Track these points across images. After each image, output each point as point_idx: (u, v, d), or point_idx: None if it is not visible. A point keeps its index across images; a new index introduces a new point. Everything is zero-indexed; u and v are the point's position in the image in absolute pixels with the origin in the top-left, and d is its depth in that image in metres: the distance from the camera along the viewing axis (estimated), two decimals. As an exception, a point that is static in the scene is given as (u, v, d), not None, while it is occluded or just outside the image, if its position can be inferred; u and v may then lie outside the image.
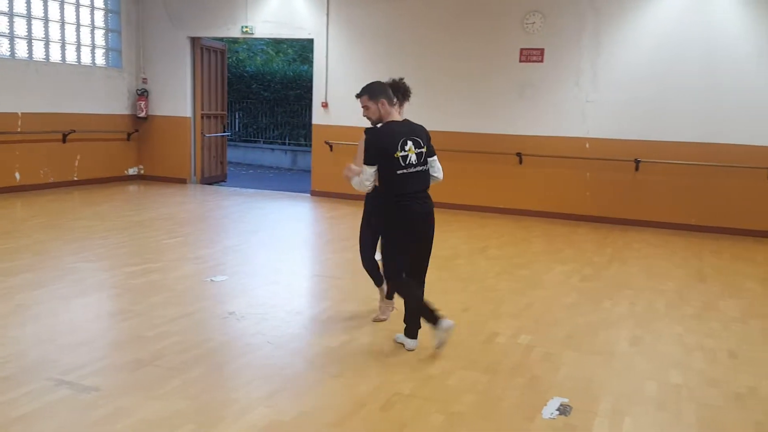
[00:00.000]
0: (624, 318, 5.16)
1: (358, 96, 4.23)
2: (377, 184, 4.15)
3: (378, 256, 4.61)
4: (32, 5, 10.17)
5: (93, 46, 11.23)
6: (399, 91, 4.43)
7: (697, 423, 3.44)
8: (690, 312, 5.37)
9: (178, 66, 11.68)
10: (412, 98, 4.63)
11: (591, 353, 4.36)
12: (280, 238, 7.96)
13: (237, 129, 18.22)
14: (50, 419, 3.18)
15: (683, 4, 8.88)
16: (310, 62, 13.52)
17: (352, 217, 8.78)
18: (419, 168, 4.15)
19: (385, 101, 4.16)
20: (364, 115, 4.26)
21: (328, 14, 10.60)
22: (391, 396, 3.57)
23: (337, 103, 10.72)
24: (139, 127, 11.97)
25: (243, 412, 3.32)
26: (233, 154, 16.47)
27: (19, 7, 9.99)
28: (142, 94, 11.81)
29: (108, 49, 11.53)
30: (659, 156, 9.14)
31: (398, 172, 4.06)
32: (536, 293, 5.75)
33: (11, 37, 9.92)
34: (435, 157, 4.29)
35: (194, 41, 11.69)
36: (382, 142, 4.08)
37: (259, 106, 18.04)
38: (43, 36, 10.38)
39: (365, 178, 4.10)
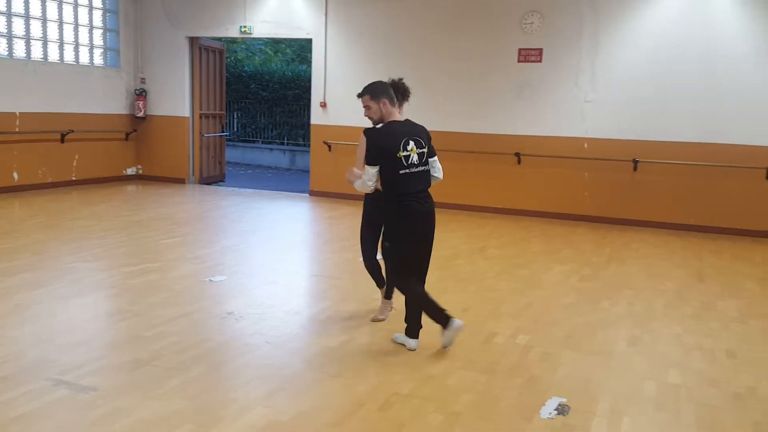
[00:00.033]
0: (622, 318, 5.16)
1: (359, 95, 4.21)
2: (378, 184, 4.15)
3: (380, 256, 4.61)
4: (30, 5, 10.15)
5: (91, 46, 11.22)
6: (398, 91, 4.43)
7: (695, 423, 3.44)
8: (689, 312, 5.37)
9: (176, 66, 11.67)
10: (411, 98, 4.63)
11: (589, 353, 4.36)
12: (278, 238, 7.95)
13: (235, 129, 18.20)
14: (48, 419, 3.18)
15: (682, 5, 8.89)
16: (309, 62, 13.50)
17: (351, 217, 8.78)
18: (421, 168, 4.15)
19: (386, 101, 4.16)
20: (366, 115, 4.24)
21: (326, 14, 10.60)
22: (389, 396, 3.57)
23: (335, 103, 10.72)
24: (137, 126, 11.96)
25: (241, 412, 3.31)
26: (232, 154, 16.47)
27: (17, 6, 9.98)
28: (141, 94, 11.80)
29: (106, 49, 11.52)
30: (658, 156, 9.14)
31: (401, 172, 4.06)
32: (535, 293, 5.76)
33: (9, 36, 9.91)
34: (435, 158, 4.30)
35: (193, 41, 11.68)
36: (383, 142, 4.07)
37: (258, 106, 18.02)
38: (41, 36, 10.36)
39: (368, 178, 4.09)
